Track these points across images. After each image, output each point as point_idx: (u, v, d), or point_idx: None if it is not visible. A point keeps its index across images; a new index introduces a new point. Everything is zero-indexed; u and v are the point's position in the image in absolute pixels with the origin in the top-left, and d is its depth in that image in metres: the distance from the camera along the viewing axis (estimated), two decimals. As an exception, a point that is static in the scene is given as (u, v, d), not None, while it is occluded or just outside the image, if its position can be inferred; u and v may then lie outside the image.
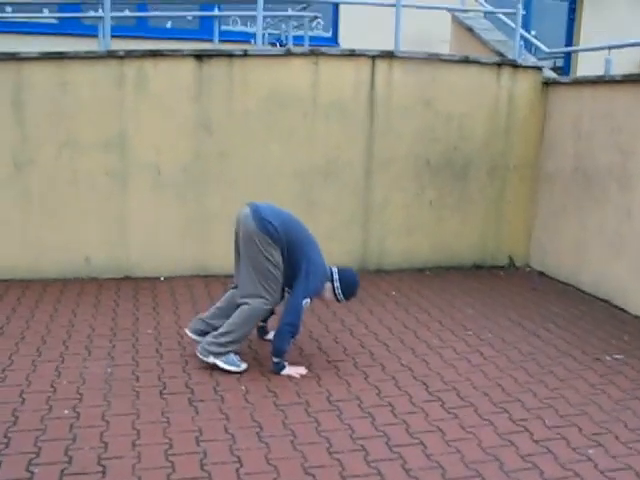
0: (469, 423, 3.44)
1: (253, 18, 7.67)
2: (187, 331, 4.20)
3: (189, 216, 5.91)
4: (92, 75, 5.57)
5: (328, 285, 4.01)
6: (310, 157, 6.06)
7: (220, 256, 5.68)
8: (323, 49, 6.05)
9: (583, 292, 5.97)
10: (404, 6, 6.42)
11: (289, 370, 3.92)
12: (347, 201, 6.22)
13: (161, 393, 3.65)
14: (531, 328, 4.98)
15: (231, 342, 3.90)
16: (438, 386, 3.89)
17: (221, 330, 3.92)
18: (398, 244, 6.44)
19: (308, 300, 3.87)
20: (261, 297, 3.86)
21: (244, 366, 3.95)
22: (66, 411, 3.40)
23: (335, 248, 6.12)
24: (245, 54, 5.77)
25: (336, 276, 4.01)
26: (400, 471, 2.95)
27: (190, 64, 5.70)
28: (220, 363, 3.92)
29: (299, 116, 5.97)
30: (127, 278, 5.87)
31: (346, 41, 9.49)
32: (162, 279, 5.90)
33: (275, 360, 3.90)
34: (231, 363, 3.92)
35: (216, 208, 5.91)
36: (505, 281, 6.35)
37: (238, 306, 3.91)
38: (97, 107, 5.61)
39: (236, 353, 3.98)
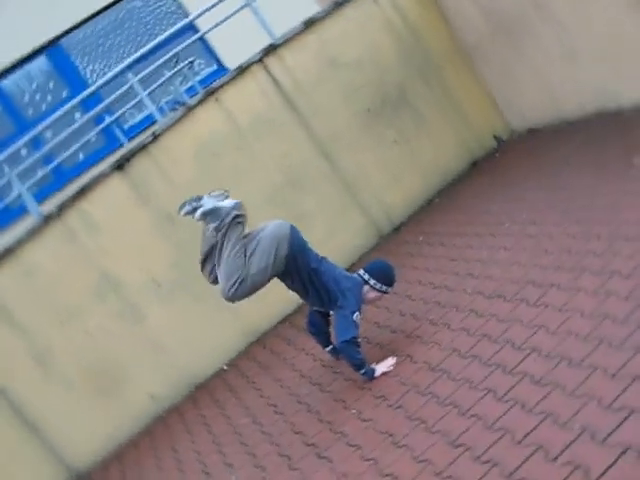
0: (588, 310, 3.24)
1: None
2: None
3: (209, 302, 5.83)
4: (46, 247, 5.54)
5: (366, 288, 3.97)
6: (268, 179, 5.98)
7: (259, 311, 5.67)
8: (214, 83, 5.99)
9: (578, 118, 5.81)
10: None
11: (380, 369, 3.82)
12: (326, 192, 6.13)
13: (290, 466, 3.58)
14: (557, 182, 4.86)
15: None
16: (512, 291, 3.78)
17: None
18: (396, 195, 6.34)
19: (357, 313, 3.81)
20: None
21: None
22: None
23: (346, 239, 6.07)
24: (155, 136, 5.72)
25: (366, 276, 3.97)
26: (531, 386, 2.85)
27: (117, 178, 5.65)
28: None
29: (235, 153, 5.90)
30: (198, 387, 5.81)
31: (234, 61, 9.37)
32: (225, 368, 5.84)
33: (361, 372, 3.82)
34: None
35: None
36: (505, 159, 6.24)
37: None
38: (68, 269, 5.57)
39: None
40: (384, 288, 4.01)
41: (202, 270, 3.97)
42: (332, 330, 4.08)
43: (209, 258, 3.89)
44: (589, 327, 2.97)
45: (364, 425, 3.46)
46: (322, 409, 3.94)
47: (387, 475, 2.92)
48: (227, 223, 3.75)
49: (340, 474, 3.19)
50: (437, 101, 6.45)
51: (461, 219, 5.45)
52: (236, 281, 3.73)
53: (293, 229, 3.87)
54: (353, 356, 3.78)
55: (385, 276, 4.02)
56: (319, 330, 4.25)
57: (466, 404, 3.03)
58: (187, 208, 3.80)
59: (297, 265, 3.83)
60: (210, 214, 3.79)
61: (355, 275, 4.01)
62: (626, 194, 3.95)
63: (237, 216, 3.79)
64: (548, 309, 3.35)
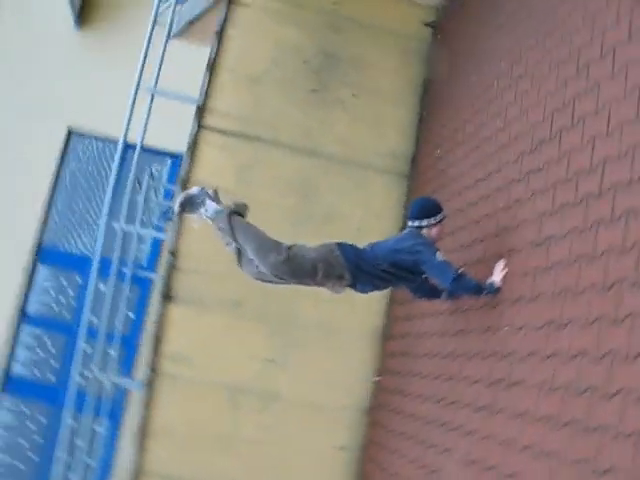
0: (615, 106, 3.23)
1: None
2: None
3: (318, 340, 5.86)
4: (165, 405, 5.61)
5: (425, 232, 3.90)
6: (282, 208, 5.96)
7: (365, 312, 5.67)
8: (181, 175, 6.04)
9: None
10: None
11: (498, 278, 3.72)
12: (335, 181, 6.11)
13: (493, 412, 3.55)
14: (508, 18, 4.75)
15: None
16: (545, 128, 3.69)
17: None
18: (389, 136, 6.27)
19: (439, 253, 3.75)
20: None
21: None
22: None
23: (382, 204, 6.10)
24: (173, 253, 5.78)
25: (416, 223, 3.92)
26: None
27: (172, 307, 5.72)
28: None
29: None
30: (369, 411, 5.82)
31: (180, 142, 9.28)
32: (376, 378, 5.85)
33: (484, 293, 3.73)
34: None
35: (306, 317, 5.89)
36: (447, 35, 6.13)
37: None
38: (196, 406, 5.67)
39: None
40: (438, 218, 3.94)
41: (243, 269, 3.87)
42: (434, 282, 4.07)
43: (241, 255, 3.79)
44: (629, 144, 2.87)
45: (523, 333, 3.41)
46: (479, 348, 3.89)
47: (575, 356, 2.86)
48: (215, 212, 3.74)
49: (537, 387, 3.13)
50: (358, 37, 6.38)
51: (453, 110, 5.38)
52: (274, 250, 3.65)
53: (339, 243, 3.83)
54: (468, 287, 3.73)
55: (429, 208, 3.96)
56: (423, 291, 4.21)
57: (590, 251, 2.96)
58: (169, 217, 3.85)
59: (366, 272, 3.80)
60: (186, 203, 3.77)
61: (406, 230, 3.97)
62: None
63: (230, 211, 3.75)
64: (587, 121, 3.26)
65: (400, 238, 3.93)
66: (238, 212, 3.78)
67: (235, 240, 3.73)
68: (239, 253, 3.79)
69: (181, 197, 3.82)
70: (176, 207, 3.84)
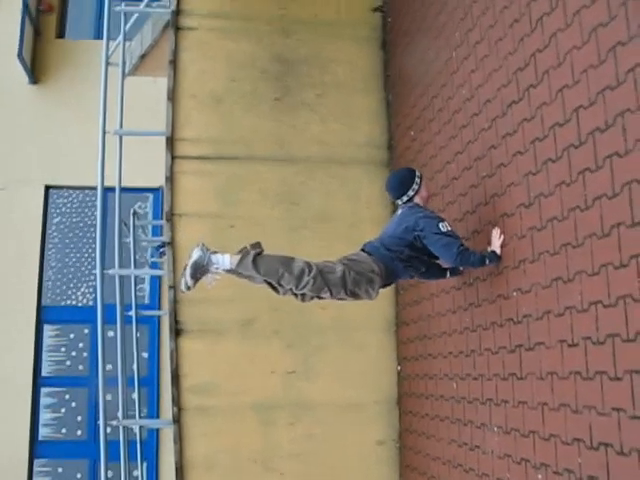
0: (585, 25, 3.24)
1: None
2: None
3: (337, 351, 5.89)
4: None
5: (417, 200, 3.97)
6: (272, 219, 5.99)
7: (374, 308, 5.66)
8: (165, 208, 6.01)
9: None
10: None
11: (497, 246, 3.76)
12: (322, 182, 6.12)
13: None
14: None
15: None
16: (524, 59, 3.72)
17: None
18: (363, 124, 6.29)
19: (443, 224, 3.74)
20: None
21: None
22: None
23: (373, 188, 6.04)
24: (173, 287, 5.78)
25: (405, 198, 3.97)
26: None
27: (186, 341, 5.73)
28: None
29: (232, 229, 5.92)
30: (399, 399, 5.85)
31: (158, 175, 9.29)
32: (399, 368, 5.87)
33: (487, 264, 3.75)
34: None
35: (318, 321, 5.86)
36: (398, 14, 6.14)
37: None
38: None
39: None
40: (418, 181, 3.98)
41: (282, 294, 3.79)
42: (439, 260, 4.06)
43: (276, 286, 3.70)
44: (597, 88, 2.88)
45: (533, 294, 3.42)
46: (493, 317, 3.90)
47: (590, 305, 2.88)
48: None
49: (558, 344, 3.15)
50: (310, 36, 6.38)
51: (418, 89, 5.37)
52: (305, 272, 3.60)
53: (362, 248, 3.89)
54: (471, 260, 3.72)
55: (405, 178, 4.01)
56: (429, 273, 4.11)
57: (582, 202, 2.97)
58: (182, 286, 3.62)
59: (399, 260, 3.83)
60: (196, 268, 3.57)
61: (399, 211, 3.99)
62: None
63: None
64: (551, 74, 3.27)
65: (400, 219, 3.91)
66: (258, 253, 3.63)
67: (267, 281, 3.66)
68: (272, 286, 3.70)
69: (188, 271, 3.59)
70: (190, 282, 3.58)
